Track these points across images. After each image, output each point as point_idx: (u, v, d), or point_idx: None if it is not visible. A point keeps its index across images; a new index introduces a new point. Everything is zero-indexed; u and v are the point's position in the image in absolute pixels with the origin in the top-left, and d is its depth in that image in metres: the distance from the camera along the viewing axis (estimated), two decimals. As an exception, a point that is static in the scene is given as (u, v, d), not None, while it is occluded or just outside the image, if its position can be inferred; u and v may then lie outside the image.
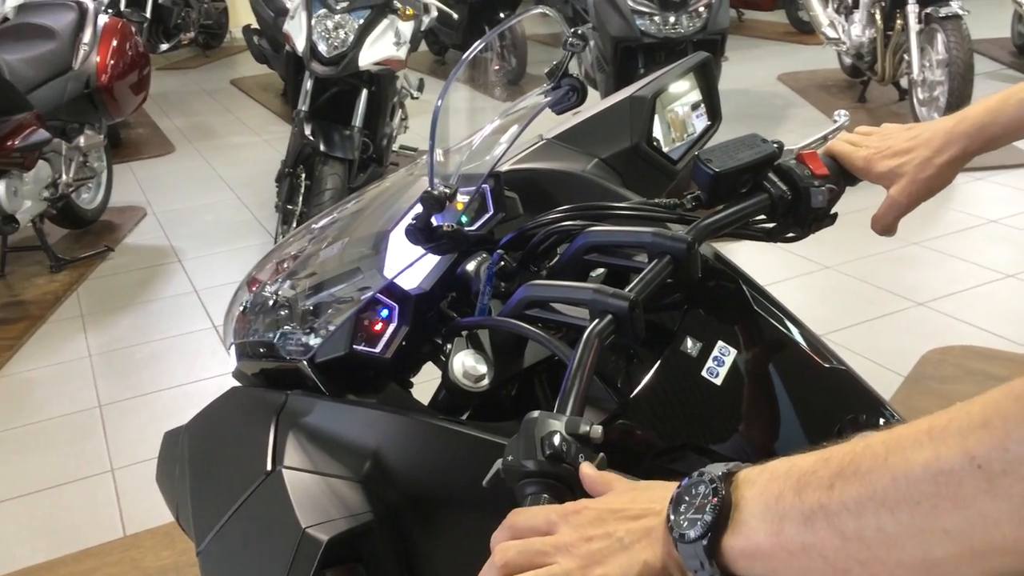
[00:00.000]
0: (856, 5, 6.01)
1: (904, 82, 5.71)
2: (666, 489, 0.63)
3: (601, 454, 0.73)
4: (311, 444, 0.96)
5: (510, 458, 0.73)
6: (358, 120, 3.99)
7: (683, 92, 1.43)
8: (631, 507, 0.64)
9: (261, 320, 1.12)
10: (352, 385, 1.01)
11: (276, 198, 4.06)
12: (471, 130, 1.12)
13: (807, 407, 0.98)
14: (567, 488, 0.70)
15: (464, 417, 1.03)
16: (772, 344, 1.01)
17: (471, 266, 1.07)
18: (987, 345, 3.04)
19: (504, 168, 1.24)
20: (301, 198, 3.84)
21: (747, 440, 0.92)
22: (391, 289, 1.02)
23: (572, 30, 1.06)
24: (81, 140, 4.24)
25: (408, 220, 0.94)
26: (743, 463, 0.62)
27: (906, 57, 5.40)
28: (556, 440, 0.71)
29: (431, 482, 0.92)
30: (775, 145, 1.02)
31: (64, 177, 4.07)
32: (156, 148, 6.20)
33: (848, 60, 6.48)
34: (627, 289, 0.87)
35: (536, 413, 0.74)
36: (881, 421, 0.98)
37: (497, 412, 1.07)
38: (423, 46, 6.76)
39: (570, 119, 1.32)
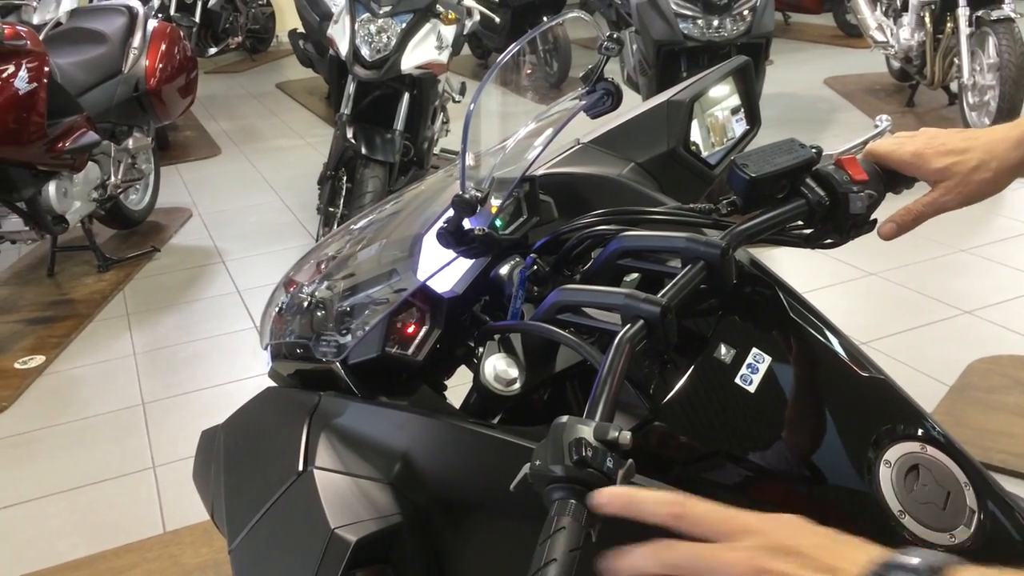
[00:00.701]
0: (905, 8, 5.92)
1: (954, 86, 5.61)
2: (855, 548, 0.57)
3: (630, 461, 0.72)
4: (342, 445, 0.96)
5: (538, 463, 0.72)
6: (400, 123, 4.01)
7: (723, 96, 1.42)
8: (816, 555, 0.58)
9: (296, 321, 1.12)
10: (385, 387, 1.02)
11: (318, 200, 4.09)
12: (507, 134, 1.12)
13: (843, 416, 0.96)
14: None
15: (495, 421, 1.03)
16: (808, 352, 1.00)
17: (504, 270, 1.07)
18: (1036, 355, 2.98)
19: (539, 172, 1.24)
20: (342, 201, 3.87)
21: (782, 449, 0.91)
22: (424, 292, 1.02)
23: (608, 34, 1.05)
24: (130, 142, 4.32)
25: (441, 223, 0.94)
26: (953, 557, 0.57)
27: (956, 61, 5.31)
28: (584, 445, 0.70)
29: (460, 485, 0.92)
30: (813, 150, 1.00)
31: (113, 178, 4.15)
32: (203, 150, 6.30)
33: (896, 64, 6.38)
34: (659, 295, 0.87)
35: (565, 418, 0.73)
36: (919, 432, 0.95)
37: (529, 416, 1.07)
38: (466, 50, 6.79)
39: (607, 123, 1.32)
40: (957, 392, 2.75)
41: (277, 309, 1.19)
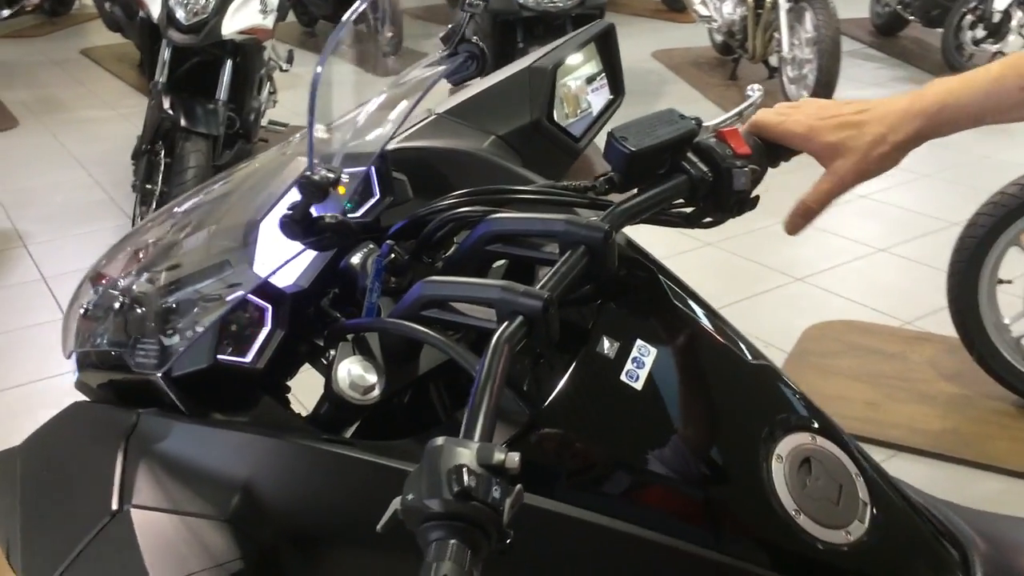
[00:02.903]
0: (728, -18, 6.08)
1: (774, 60, 5.81)
2: None
3: (518, 487, 0.61)
4: (167, 476, 0.81)
5: (410, 496, 0.60)
6: (222, 93, 3.74)
7: (577, 64, 1.33)
8: None
9: (108, 323, 0.95)
10: (217, 401, 0.87)
11: (133, 177, 3.76)
12: (349, 106, 0.98)
13: (734, 409, 0.89)
14: (480, 531, 0.59)
15: (351, 432, 0.90)
16: (693, 341, 0.92)
17: (356, 259, 0.94)
18: (864, 319, 3.09)
19: (391, 147, 1.11)
20: (160, 177, 3.57)
21: (674, 450, 0.83)
22: (263, 288, 0.88)
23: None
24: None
25: (282, 209, 0.79)
26: None
27: (776, 35, 5.50)
28: (465, 473, 0.59)
29: (314, 516, 0.78)
30: (693, 121, 0.92)
31: None
32: (-3, 122, 5.71)
33: (719, 38, 6.56)
34: (539, 285, 0.76)
35: (440, 440, 0.62)
36: (810, 422, 0.90)
37: (388, 425, 0.95)
38: (291, 17, 6.46)
39: (463, 93, 1.20)
40: (796, 358, 2.82)
41: (83, 308, 1.00)
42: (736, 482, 0.85)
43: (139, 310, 0.92)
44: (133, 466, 0.82)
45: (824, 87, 5.06)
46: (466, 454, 0.61)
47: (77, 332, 1.01)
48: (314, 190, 0.72)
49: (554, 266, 0.80)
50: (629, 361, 0.86)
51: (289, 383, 0.97)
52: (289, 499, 0.79)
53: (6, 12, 7.97)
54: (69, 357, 1.03)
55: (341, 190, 1.00)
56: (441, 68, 0.90)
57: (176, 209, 1.12)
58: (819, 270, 3.47)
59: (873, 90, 5.83)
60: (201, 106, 3.68)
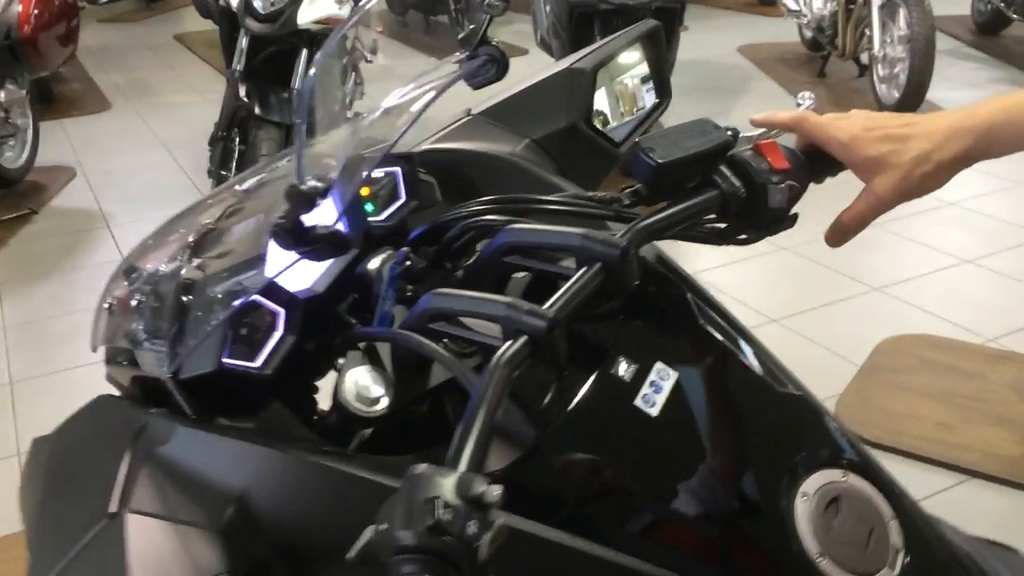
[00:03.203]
0: (819, -23, 5.89)
1: (865, 58, 5.61)
2: None
3: (500, 522, 0.58)
4: (167, 481, 0.79)
5: (384, 526, 0.58)
6: (297, 82, 3.77)
7: (634, 63, 1.28)
8: None
9: (127, 319, 0.95)
10: (227, 404, 0.85)
11: (208, 163, 3.84)
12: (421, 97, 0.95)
13: (757, 442, 0.84)
14: (453, 567, 0.56)
15: (355, 445, 0.88)
16: (718, 366, 0.87)
17: (374, 264, 0.91)
18: (943, 333, 2.95)
19: (422, 148, 1.08)
20: (235, 164, 3.63)
21: (689, 484, 0.78)
22: (276, 292, 0.86)
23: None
24: (1, 95, 3.97)
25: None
26: None
27: (867, 32, 5.30)
28: (441, 505, 0.56)
29: (307, 532, 0.76)
30: (729, 132, 0.87)
31: (-19, 134, 3.82)
32: (91, 105, 5.90)
33: (809, 33, 6.37)
34: (547, 304, 0.72)
35: (421, 467, 0.59)
36: (841, 457, 0.84)
37: (402, 438, 0.92)
38: (383, 4, 6.48)
39: (503, 93, 1.16)
40: (866, 373, 2.71)
41: (106, 303, 1.00)
42: (755, 520, 0.80)
43: (154, 307, 0.91)
44: (136, 468, 0.81)
45: (916, 87, 4.86)
46: (445, 484, 0.57)
47: (104, 327, 1.02)
48: (301, 200, 0.69)
49: (567, 282, 0.76)
50: (646, 385, 0.81)
51: (318, 384, 0.95)
52: (283, 513, 0.76)
53: (105, -3, 8.24)
54: (95, 351, 1.03)
55: (365, 191, 0.98)
56: (459, 71, 0.86)
57: (209, 201, 1.12)
58: (899, 280, 3.33)
59: (969, 91, 5.58)
60: (276, 95, 3.72)
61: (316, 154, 0.90)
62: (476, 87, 0.85)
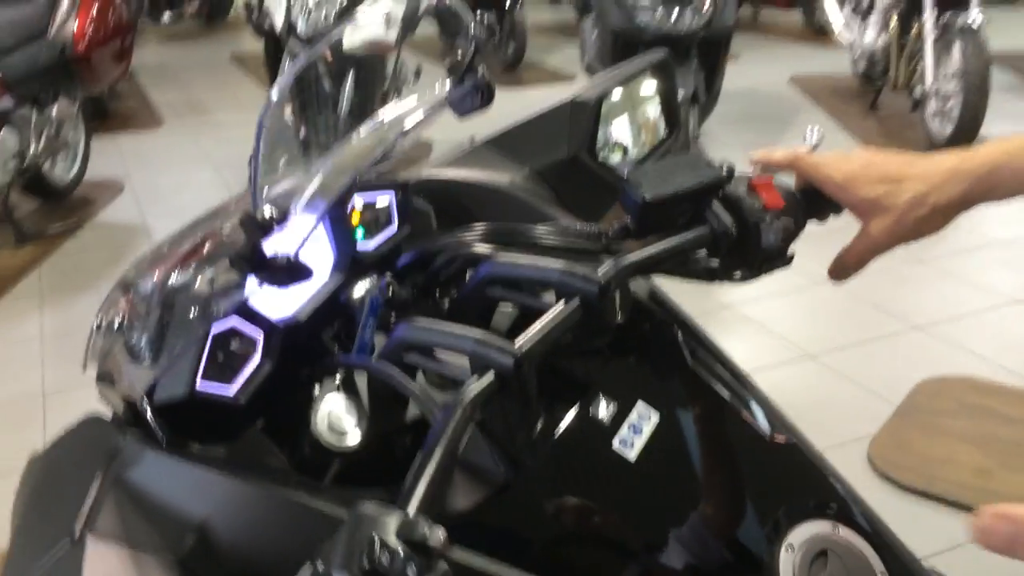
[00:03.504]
0: (872, 8, 5.80)
1: (918, 91, 5.50)
2: None
3: (444, 567, 0.56)
4: (132, 508, 0.78)
5: (320, 567, 0.56)
6: (343, 106, 3.80)
7: (655, 92, 1.26)
8: None
9: (109, 339, 0.95)
10: (205, 428, 0.84)
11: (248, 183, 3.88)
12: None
13: (740, 490, 0.80)
14: None
15: (335, 475, 0.86)
16: (705, 409, 0.84)
17: (358, 292, 0.90)
18: (987, 376, 2.85)
19: (421, 175, 1.07)
20: (275, 183, 3.66)
21: (664, 532, 0.75)
22: (254, 317, 0.85)
23: (477, 19, 0.87)
24: (53, 110, 4.07)
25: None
26: None
27: (920, 65, 5.20)
28: (379, 548, 0.54)
29: (267, 563, 0.74)
30: (725, 169, 0.84)
31: (33, 148, 3.90)
32: (143, 122, 6.03)
33: (862, 65, 6.27)
34: (518, 341, 0.70)
35: (367, 505, 0.57)
36: (832, 509, 0.80)
37: (383, 469, 0.90)
38: (433, 30, 6.53)
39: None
40: (903, 414, 2.62)
41: (97, 323, 1.00)
42: (734, 573, 0.76)
43: (134, 327, 0.90)
44: (104, 492, 0.80)
45: (969, 122, 4.75)
46: (388, 525, 0.55)
47: (94, 344, 1.02)
48: (255, 229, 0.68)
49: (542, 317, 0.73)
50: (625, 426, 0.78)
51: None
52: (243, 543, 0.75)
53: (167, 17, 8.43)
54: (85, 370, 1.03)
55: (356, 215, 0.97)
56: (443, 97, 0.85)
57: (207, 220, 1.11)
58: (942, 319, 3.23)
59: (1026, 127, 5.44)
60: (322, 118, 3.75)
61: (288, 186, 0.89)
62: (461, 115, 0.83)
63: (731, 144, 5.21)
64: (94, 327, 1.04)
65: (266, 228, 0.68)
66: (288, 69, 0.81)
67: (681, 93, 3.98)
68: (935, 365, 2.91)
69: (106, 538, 0.75)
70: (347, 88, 3.81)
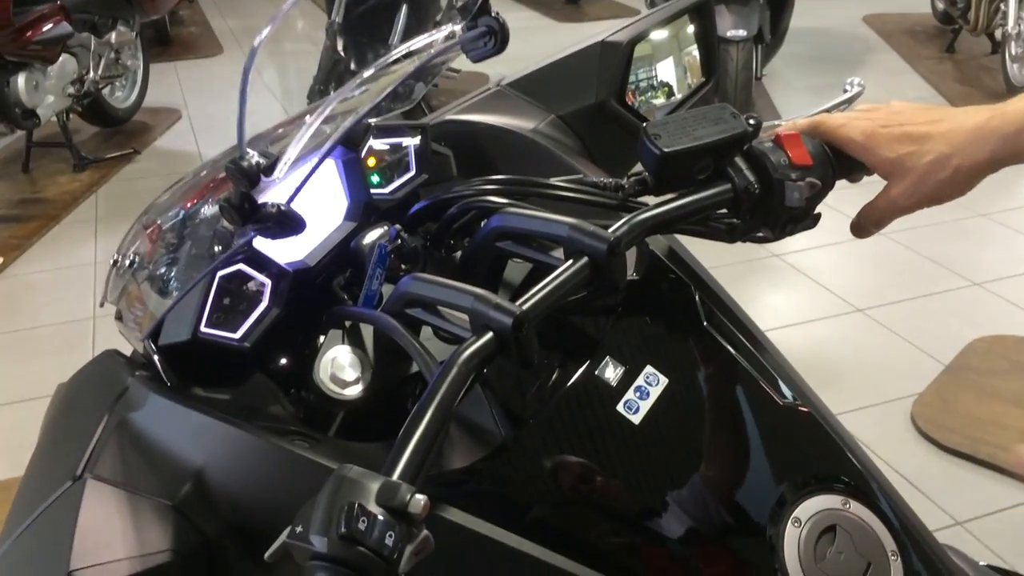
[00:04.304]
0: (954, -55, 5.52)
1: (998, 34, 5.24)
2: None
3: (424, 534, 0.54)
4: (133, 449, 0.78)
5: (299, 529, 0.55)
6: (395, 38, 3.75)
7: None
8: None
9: (122, 278, 0.95)
10: (211, 372, 0.84)
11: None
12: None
13: (752, 457, 0.78)
14: None
15: (339, 426, 0.85)
16: (717, 373, 0.81)
17: (368, 240, 0.88)
18: (1045, 337, 2.76)
19: (445, 118, 1.04)
20: (328, 116, 3.65)
21: (666, 499, 0.73)
22: (262, 260, 0.83)
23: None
24: (112, 36, 4.10)
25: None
26: None
27: (1002, 7, 4.94)
28: (358, 513, 0.53)
29: (262, 512, 0.74)
30: (751, 122, 0.80)
31: (92, 74, 3.95)
32: (204, 49, 6.05)
33: (940, 5, 5.99)
34: (520, 300, 0.68)
35: (349, 468, 0.56)
36: (843, 482, 0.77)
37: (388, 423, 0.89)
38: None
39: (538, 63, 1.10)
40: (952, 373, 2.55)
41: (113, 259, 1.00)
42: (735, 544, 0.74)
43: (147, 268, 0.90)
44: (108, 433, 0.80)
45: (1050, 69, 4.53)
46: (369, 490, 0.54)
47: (112, 280, 1.02)
48: (240, 176, 0.66)
49: (548, 276, 0.71)
50: (631, 390, 0.76)
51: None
52: (239, 491, 0.75)
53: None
54: (102, 306, 1.03)
55: (372, 161, 0.95)
56: (453, 41, 0.81)
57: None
58: (1003, 276, 3.12)
59: (1112, 76, 5.15)
60: (374, 51, 3.72)
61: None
62: (475, 60, 0.80)
63: (797, 87, 5.04)
64: (112, 263, 1.04)
65: (252, 178, 0.66)
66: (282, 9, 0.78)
67: (744, 32, 3.84)
68: (991, 324, 2.81)
69: (105, 479, 0.76)
70: (400, 20, 3.76)
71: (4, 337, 2.86)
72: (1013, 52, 4.89)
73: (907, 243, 3.31)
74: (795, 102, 4.83)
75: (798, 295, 3.05)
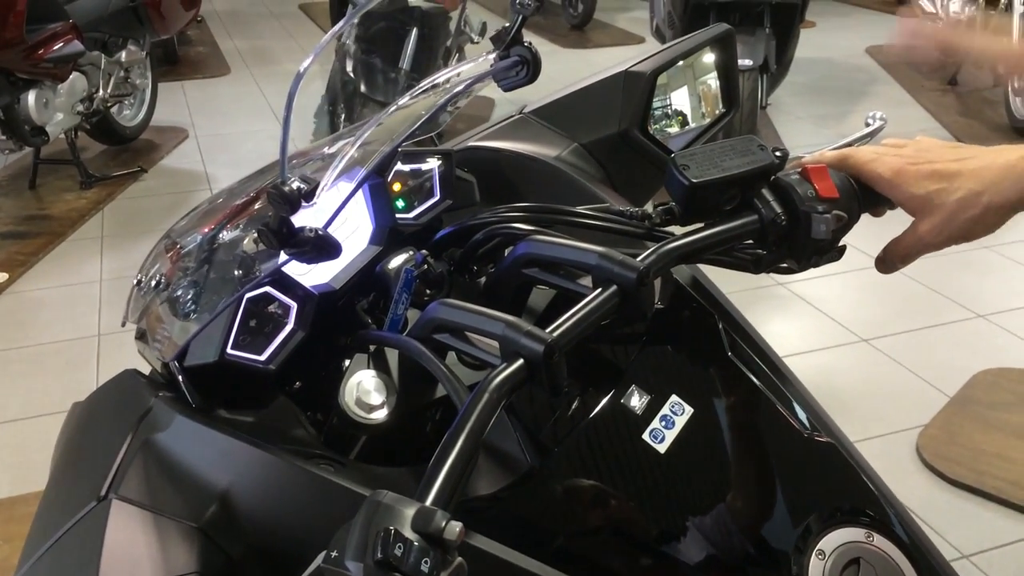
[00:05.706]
0: (957, -22, 5.58)
1: (1001, 67, 5.28)
2: None
3: (459, 560, 0.54)
4: (158, 470, 0.78)
5: (334, 554, 0.55)
6: (405, 62, 3.78)
7: (714, 66, 1.21)
8: None
9: (146, 298, 0.95)
10: (235, 394, 0.84)
11: (312, 136, 3.89)
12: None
13: (776, 488, 0.78)
14: None
15: (360, 450, 0.85)
16: (741, 404, 0.81)
17: (394, 264, 0.89)
18: (1050, 370, 2.76)
19: (468, 144, 1.05)
20: (335, 137, 3.67)
21: (690, 529, 0.73)
22: (289, 285, 0.84)
23: (525, -14, 0.84)
24: (122, 55, 4.12)
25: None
26: None
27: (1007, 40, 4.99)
28: (393, 539, 0.53)
29: (287, 536, 0.74)
30: (777, 154, 0.80)
31: (101, 92, 3.97)
32: (211, 69, 6.08)
33: (943, 38, 6.04)
34: (551, 328, 0.68)
35: (383, 494, 0.56)
36: (867, 515, 0.77)
37: (411, 447, 0.89)
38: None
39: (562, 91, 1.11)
40: (957, 404, 2.55)
41: (136, 279, 1.01)
42: (757, 570, 0.74)
43: (172, 289, 0.90)
44: (133, 453, 0.80)
45: (1053, 103, 4.56)
46: (404, 516, 0.54)
47: (133, 301, 1.02)
48: (282, 201, 0.67)
49: (578, 304, 0.71)
50: (657, 419, 0.76)
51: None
52: (264, 514, 0.75)
53: (238, -36, 8.43)
54: (123, 325, 1.03)
55: (397, 186, 0.95)
56: (487, 70, 0.82)
57: (258, 177, 1.10)
58: (1007, 308, 3.12)
59: (1114, 111, 5.18)
60: (383, 73, 3.74)
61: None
62: (506, 89, 0.80)
63: (801, 116, 5.08)
64: (135, 283, 1.04)
65: (293, 203, 0.66)
66: (345, 19, 0.79)
67: (750, 62, 3.87)
68: (996, 356, 2.82)
69: (130, 500, 0.76)
70: (410, 43, 3.79)
71: (9, 354, 2.85)
72: (1016, 85, 4.93)
73: (912, 274, 3.31)
74: (798, 131, 4.86)
75: (803, 324, 3.05)
